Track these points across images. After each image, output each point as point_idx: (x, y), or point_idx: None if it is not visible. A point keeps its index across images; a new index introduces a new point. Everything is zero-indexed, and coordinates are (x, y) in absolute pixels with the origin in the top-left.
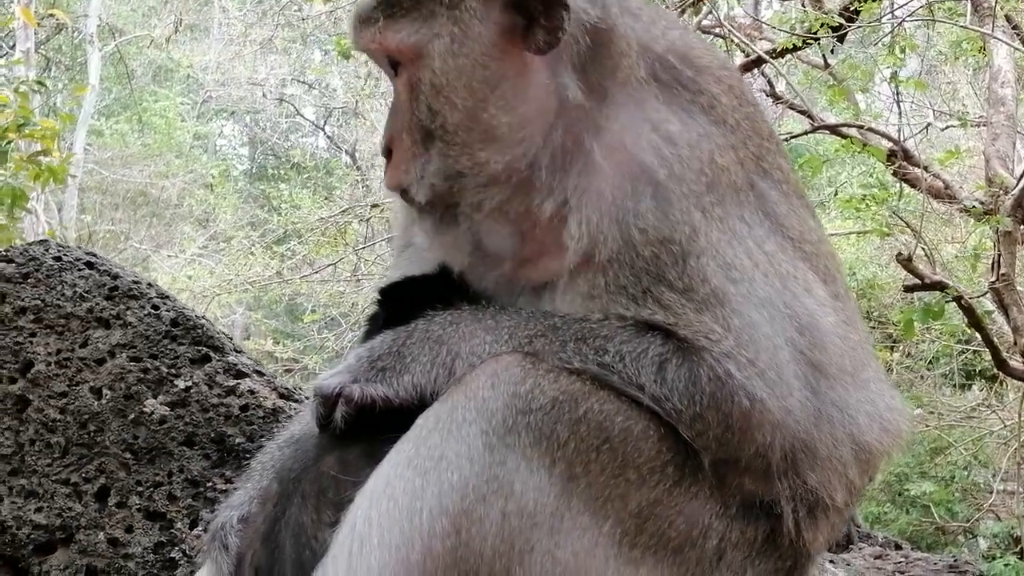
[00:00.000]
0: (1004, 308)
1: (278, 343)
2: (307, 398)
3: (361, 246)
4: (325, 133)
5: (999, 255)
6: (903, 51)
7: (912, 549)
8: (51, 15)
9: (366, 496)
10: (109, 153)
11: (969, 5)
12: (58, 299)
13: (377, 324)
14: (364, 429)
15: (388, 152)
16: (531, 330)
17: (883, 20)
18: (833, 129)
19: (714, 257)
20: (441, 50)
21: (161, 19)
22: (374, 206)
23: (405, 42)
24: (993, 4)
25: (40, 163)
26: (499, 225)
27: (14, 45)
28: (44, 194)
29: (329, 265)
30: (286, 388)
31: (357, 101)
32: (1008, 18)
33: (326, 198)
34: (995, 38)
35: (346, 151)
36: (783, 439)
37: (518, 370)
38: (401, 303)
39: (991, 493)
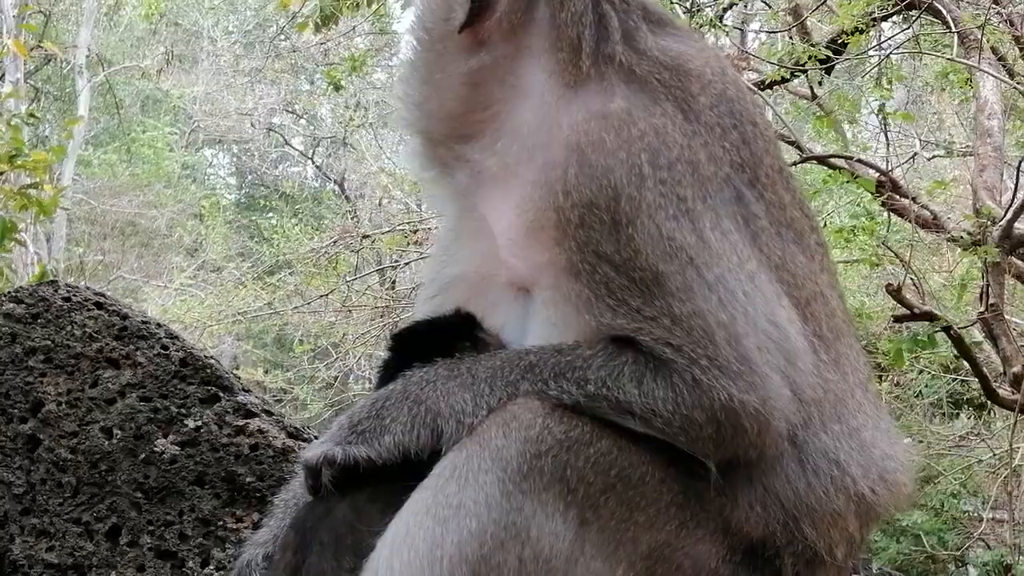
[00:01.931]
0: (993, 338)
1: (268, 373)
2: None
3: (352, 277)
4: (313, 162)
5: (987, 285)
6: (890, 83)
7: None
8: (40, 46)
9: (387, 544)
10: (98, 183)
11: (955, 37)
12: (68, 339)
13: (389, 371)
14: (357, 487)
15: None
16: (509, 376)
17: (870, 52)
18: (821, 160)
19: (645, 226)
20: None
21: (150, 49)
22: (364, 236)
23: None
24: (979, 36)
25: (29, 195)
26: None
27: (3, 75)
28: (33, 225)
29: (321, 296)
30: (295, 427)
31: (346, 131)
32: (994, 50)
33: (316, 228)
34: (981, 70)
35: (335, 180)
36: (769, 427)
37: (528, 414)
38: (413, 348)
39: (981, 522)
